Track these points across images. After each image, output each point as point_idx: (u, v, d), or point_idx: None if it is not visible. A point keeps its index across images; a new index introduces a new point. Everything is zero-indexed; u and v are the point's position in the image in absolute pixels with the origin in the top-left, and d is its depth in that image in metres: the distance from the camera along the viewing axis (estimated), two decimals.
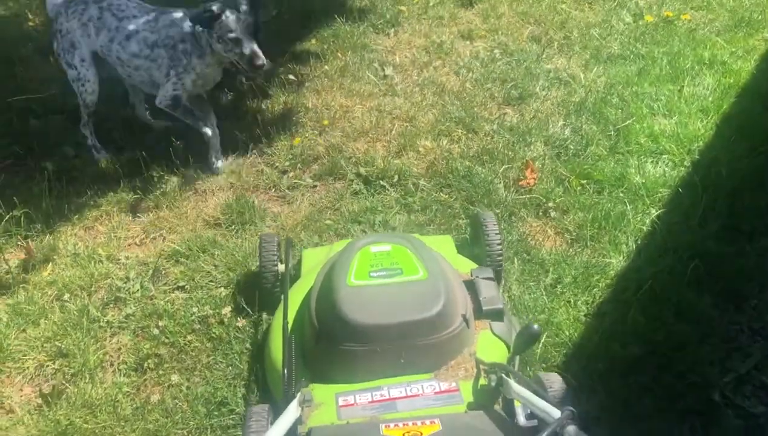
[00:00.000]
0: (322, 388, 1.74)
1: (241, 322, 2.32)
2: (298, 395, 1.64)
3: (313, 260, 2.27)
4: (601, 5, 4.47)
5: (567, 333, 2.27)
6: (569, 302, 2.40)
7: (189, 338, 2.30)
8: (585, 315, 2.35)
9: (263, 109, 3.48)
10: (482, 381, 1.73)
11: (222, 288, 2.46)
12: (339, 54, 3.96)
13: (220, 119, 3.20)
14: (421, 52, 4.02)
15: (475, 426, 1.56)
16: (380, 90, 3.64)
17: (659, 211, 2.75)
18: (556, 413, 1.34)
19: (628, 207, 2.76)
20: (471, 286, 2.03)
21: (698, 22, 4.19)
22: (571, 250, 2.60)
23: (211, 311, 2.35)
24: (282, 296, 2.03)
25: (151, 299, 2.47)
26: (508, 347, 1.91)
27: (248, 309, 2.34)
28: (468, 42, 4.12)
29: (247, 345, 2.24)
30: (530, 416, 1.60)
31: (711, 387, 2.13)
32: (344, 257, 1.94)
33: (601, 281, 2.46)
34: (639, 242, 2.63)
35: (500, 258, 2.30)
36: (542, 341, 2.21)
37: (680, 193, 2.82)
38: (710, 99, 3.40)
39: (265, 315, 2.33)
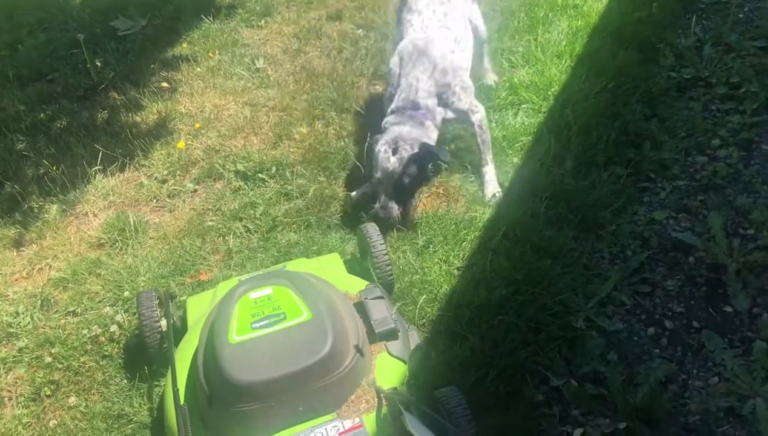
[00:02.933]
0: None
1: (129, 334, 2.38)
2: None
3: (198, 309, 2.22)
4: None
5: (442, 289, 2.42)
6: (441, 259, 2.54)
7: (83, 359, 2.35)
8: (457, 269, 2.51)
9: (137, 121, 3.51)
10: (385, 410, 1.75)
11: (109, 307, 2.51)
12: (210, 54, 4.00)
13: (96, 137, 3.24)
14: (292, 39, 4.09)
15: None
16: (253, 84, 3.70)
17: (520, 160, 2.91)
18: None
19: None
20: (362, 308, 2.01)
21: None
22: (440, 210, 2.75)
23: (100, 330, 2.41)
24: (171, 357, 1.98)
25: (43, 329, 2.50)
26: (407, 363, 1.93)
27: (135, 320, 2.41)
28: (337, 23, 4.20)
29: (138, 355, 2.31)
30: None
31: (574, 314, 2.32)
32: (224, 310, 1.88)
33: (470, 233, 2.61)
34: (503, 192, 2.79)
35: (389, 268, 2.30)
36: (419, 302, 2.36)
37: (537, 138, 2.99)
38: (564, 43, 3.58)
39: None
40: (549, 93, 3.26)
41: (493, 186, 2.82)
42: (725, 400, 2.04)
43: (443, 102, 2.84)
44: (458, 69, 2.89)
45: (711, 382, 2.11)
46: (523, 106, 3.23)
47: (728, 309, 2.31)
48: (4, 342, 2.50)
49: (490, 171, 2.86)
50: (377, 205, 2.66)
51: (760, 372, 2.09)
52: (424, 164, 2.62)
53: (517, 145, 3.00)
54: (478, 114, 2.88)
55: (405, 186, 2.63)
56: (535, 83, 3.33)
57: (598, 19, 3.75)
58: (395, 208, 2.63)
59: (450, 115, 2.87)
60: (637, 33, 3.57)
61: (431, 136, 2.73)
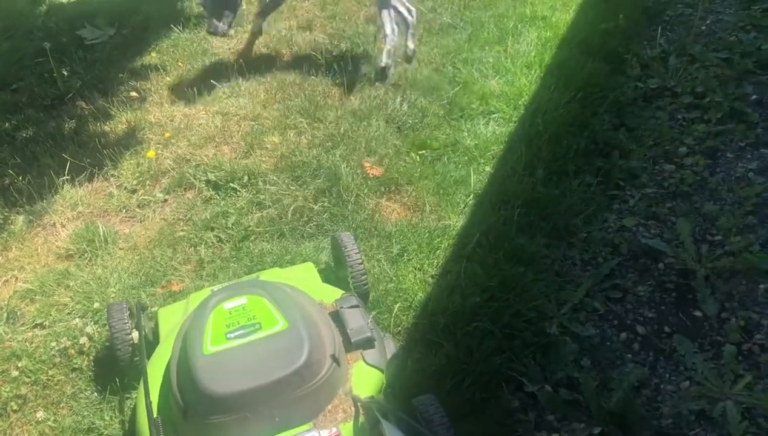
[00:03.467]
0: None
1: (99, 346, 2.34)
2: None
3: (170, 321, 2.18)
4: None
5: (416, 296, 2.42)
6: (416, 267, 2.55)
7: (51, 372, 2.30)
8: (431, 277, 2.51)
9: (106, 130, 3.45)
10: (362, 419, 1.74)
11: (78, 319, 2.46)
12: (180, 63, 3.96)
13: (64, 147, 3.20)
14: (263, 49, 4.07)
15: None
16: (224, 93, 3.68)
17: (492, 169, 2.94)
18: None
19: (464, 170, 2.94)
20: (337, 317, 1.99)
21: None
22: (414, 219, 2.76)
23: (69, 343, 2.35)
24: (143, 369, 1.94)
25: (9, 342, 2.44)
26: (383, 371, 1.93)
27: (105, 331, 2.36)
28: (308, 32, 4.20)
29: (109, 367, 2.27)
30: None
31: (548, 320, 2.34)
32: (198, 321, 1.85)
33: (443, 242, 2.63)
34: (475, 201, 2.81)
35: (364, 277, 2.29)
36: (394, 310, 2.36)
37: (509, 147, 3.02)
38: (533, 54, 3.63)
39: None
40: (519, 103, 3.30)
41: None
42: (696, 403, 2.08)
43: None
44: None
45: (682, 386, 2.15)
46: (493, 115, 3.26)
47: (698, 314, 2.35)
48: None
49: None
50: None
51: (729, 375, 2.13)
52: None
53: (488, 153, 3.03)
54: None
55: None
56: (506, 93, 3.37)
57: (566, 30, 3.82)
58: (218, 25, 3.47)
59: None
60: (604, 44, 3.64)
61: None
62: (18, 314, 2.56)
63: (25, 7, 4.77)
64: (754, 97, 3.26)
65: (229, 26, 3.70)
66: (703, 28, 3.80)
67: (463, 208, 2.79)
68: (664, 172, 2.94)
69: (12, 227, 2.92)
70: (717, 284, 2.41)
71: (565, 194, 2.79)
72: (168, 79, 3.83)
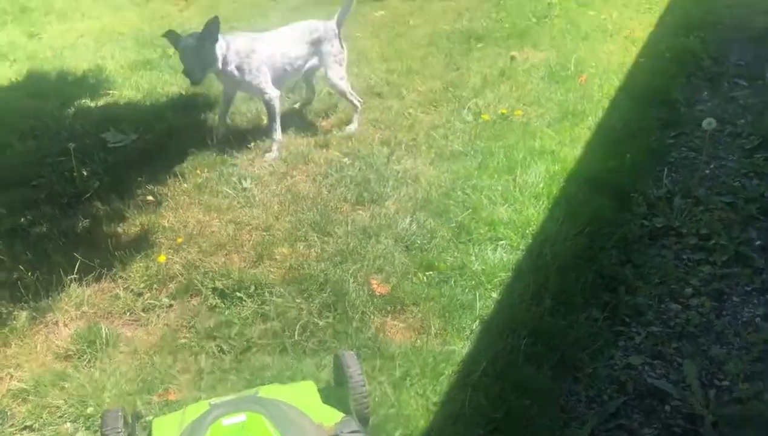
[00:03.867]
0: None
1: None
2: None
3: (165, 432, 2.10)
4: (444, 107, 4.84)
5: (418, 424, 2.36)
6: (419, 392, 2.50)
7: None
8: (434, 404, 2.46)
9: (119, 232, 3.50)
10: None
11: (69, 423, 2.40)
12: (198, 171, 4.07)
13: (76, 246, 3.24)
14: (280, 162, 4.19)
15: None
16: (238, 202, 3.75)
17: (499, 295, 2.95)
18: None
19: (470, 294, 2.95)
20: None
21: (530, 116, 4.62)
22: (418, 341, 2.74)
23: None
24: None
25: None
26: None
27: None
28: (324, 150, 4.33)
29: None
30: None
31: None
32: None
33: (448, 368, 2.59)
34: (481, 327, 2.80)
35: (365, 400, 2.23)
36: None
37: (516, 275, 3.04)
38: (541, 186, 3.73)
39: None
40: (527, 232, 3.36)
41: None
42: None
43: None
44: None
45: None
46: (501, 242, 3.31)
47: None
48: None
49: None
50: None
51: None
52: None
53: (495, 280, 3.05)
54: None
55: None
56: (514, 221, 3.43)
57: (574, 165, 3.94)
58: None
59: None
60: (611, 181, 3.74)
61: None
62: (8, 413, 2.50)
63: (55, 109, 4.97)
64: (758, 242, 3.32)
65: (203, 75, 4.04)
66: (707, 172, 3.91)
67: (469, 333, 2.77)
68: (670, 312, 2.94)
69: (14, 322, 2.91)
70: (726, 432, 2.35)
71: (572, 326, 2.78)
72: (185, 185, 3.92)
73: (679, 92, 4.84)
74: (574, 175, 3.83)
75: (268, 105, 4.26)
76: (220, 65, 4.01)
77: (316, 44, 4.41)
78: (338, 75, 4.48)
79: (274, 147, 4.26)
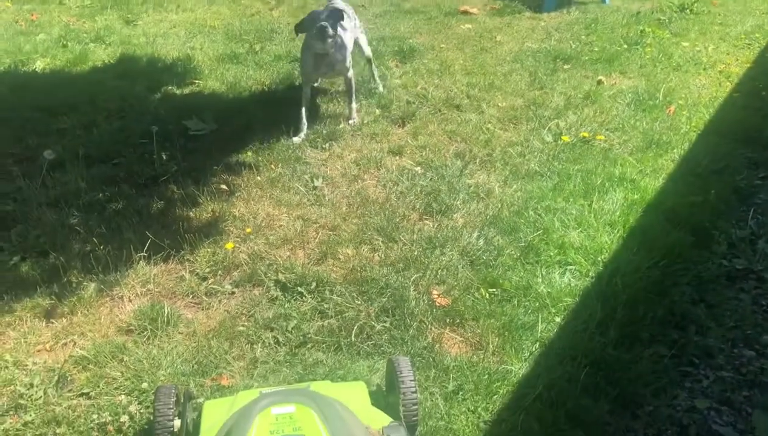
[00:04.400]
0: None
1: (138, 428, 2.30)
2: None
3: (215, 415, 2.11)
4: (524, 125, 4.76)
5: None
6: (470, 408, 2.45)
7: None
8: (485, 422, 2.40)
9: (191, 216, 3.58)
10: None
11: (123, 396, 2.45)
12: (272, 166, 4.13)
13: (148, 225, 3.33)
14: (352, 165, 4.21)
15: None
16: (308, 200, 3.78)
17: (562, 320, 2.86)
18: None
19: (533, 316, 2.87)
20: None
21: (612, 143, 4.49)
22: (475, 357, 2.68)
23: (110, 418, 2.34)
24: None
25: (53, 406, 2.44)
26: None
27: (147, 414, 2.33)
28: (397, 157, 4.33)
29: None
30: None
31: None
32: (243, 422, 1.79)
33: (502, 387, 2.52)
34: (541, 350, 2.72)
35: (415, 408, 2.19)
36: None
37: (583, 302, 2.95)
38: (617, 214, 3.61)
39: None
40: (599, 259, 3.25)
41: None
42: None
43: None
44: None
45: None
46: (570, 267, 3.21)
47: None
48: (11, 413, 2.43)
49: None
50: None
51: None
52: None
53: (561, 304, 2.96)
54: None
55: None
56: (585, 247, 3.33)
57: (653, 196, 3.80)
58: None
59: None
60: (691, 216, 3.58)
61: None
62: (68, 378, 2.58)
63: (142, 92, 5.14)
64: None
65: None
66: None
67: (528, 355, 2.70)
68: (743, 358, 2.78)
69: (83, 292, 3.00)
70: None
71: (636, 361, 2.66)
72: (258, 178, 3.98)
73: None
74: (653, 207, 3.69)
75: (351, 81, 4.75)
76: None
77: (353, 19, 4.95)
78: (367, 42, 5.23)
79: (355, 115, 4.82)
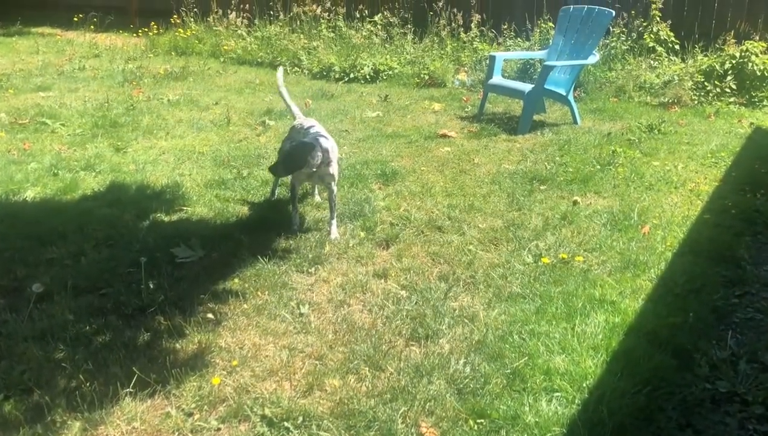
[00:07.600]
0: None
1: None
2: None
3: None
4: (505, 246, 4.89)
5: None
6: None
7: None
8: None
9: (177, 348, 3.58)
10: None
11: None
12: (259, 293, 4.18)
13: (134, 359, 3.31)
14: (338, 290, 4.27)
15: None
16: (294, 328, 3.81)
17: None
18: None
19: None
20: None
21: (591, 263, 4.61)
22: None
23: None
24: None
25: None
26: None
27: None
28: (382, 280, 4.40)
29: None
30: None
31: None
32: None
33: None
34: None
35: None
36: None
37: (571, 431, 2.95)
38: (600, 337, 3.67)
39: None
40: (584, 385, 3.27)
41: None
42: None
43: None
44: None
45: None
46: (556, 394, 3.23)
47: None
48: None
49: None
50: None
51: None
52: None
53: (548, 434, 2.96)
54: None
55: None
56: (570, 372, 3.36)
57: (634, 318, 3.87)
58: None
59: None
60: (672, 337, 3.65)
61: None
62: None
63: (131, 220, 5.24)
64: None
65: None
66: None
67: None
68: None
69: (67, 432, 2.96)
70: None
71: None
72: (245, 306, 4.02)
73: (745, 250, 4.77)
74: (635, 329, 3.76)
75: (333, 194, 5.07)
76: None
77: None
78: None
79: (335, 230, 5.06)
